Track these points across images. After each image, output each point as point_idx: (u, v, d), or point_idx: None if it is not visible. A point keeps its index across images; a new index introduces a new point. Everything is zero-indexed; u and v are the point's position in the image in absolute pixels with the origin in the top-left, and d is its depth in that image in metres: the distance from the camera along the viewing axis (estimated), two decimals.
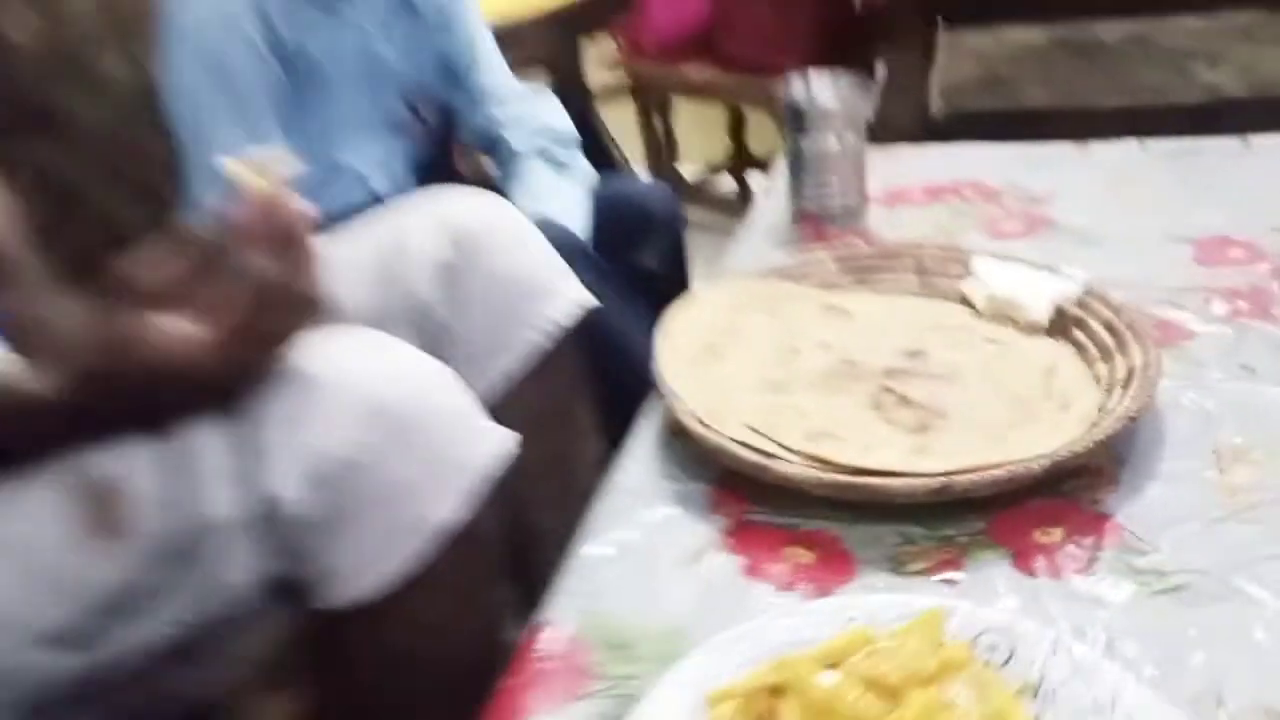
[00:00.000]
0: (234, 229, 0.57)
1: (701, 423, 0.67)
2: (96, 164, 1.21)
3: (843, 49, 1.76)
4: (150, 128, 1.25)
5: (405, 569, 0.60)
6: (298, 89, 1.08)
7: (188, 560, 0.58)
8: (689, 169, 2.33)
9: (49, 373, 0.55)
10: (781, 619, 0.52)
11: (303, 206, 0.58)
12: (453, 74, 1.23)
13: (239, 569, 0.58)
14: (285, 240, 0.56)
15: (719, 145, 2.32)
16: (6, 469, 0.57)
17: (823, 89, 0.99)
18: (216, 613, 0.60)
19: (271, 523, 0.58)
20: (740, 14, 1.90)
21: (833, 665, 0.47)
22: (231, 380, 0.57)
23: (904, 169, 1.10)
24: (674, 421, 0.70)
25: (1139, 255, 0.87)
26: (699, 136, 2.31)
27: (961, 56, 1.72)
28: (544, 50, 1.59)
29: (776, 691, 0.47)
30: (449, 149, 1.35)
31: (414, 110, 1.22)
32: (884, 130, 1.63)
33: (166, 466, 0.57)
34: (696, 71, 1.99)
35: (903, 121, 1.53)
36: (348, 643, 0.63)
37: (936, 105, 1.61)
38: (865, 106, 1.00)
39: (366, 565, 0.60)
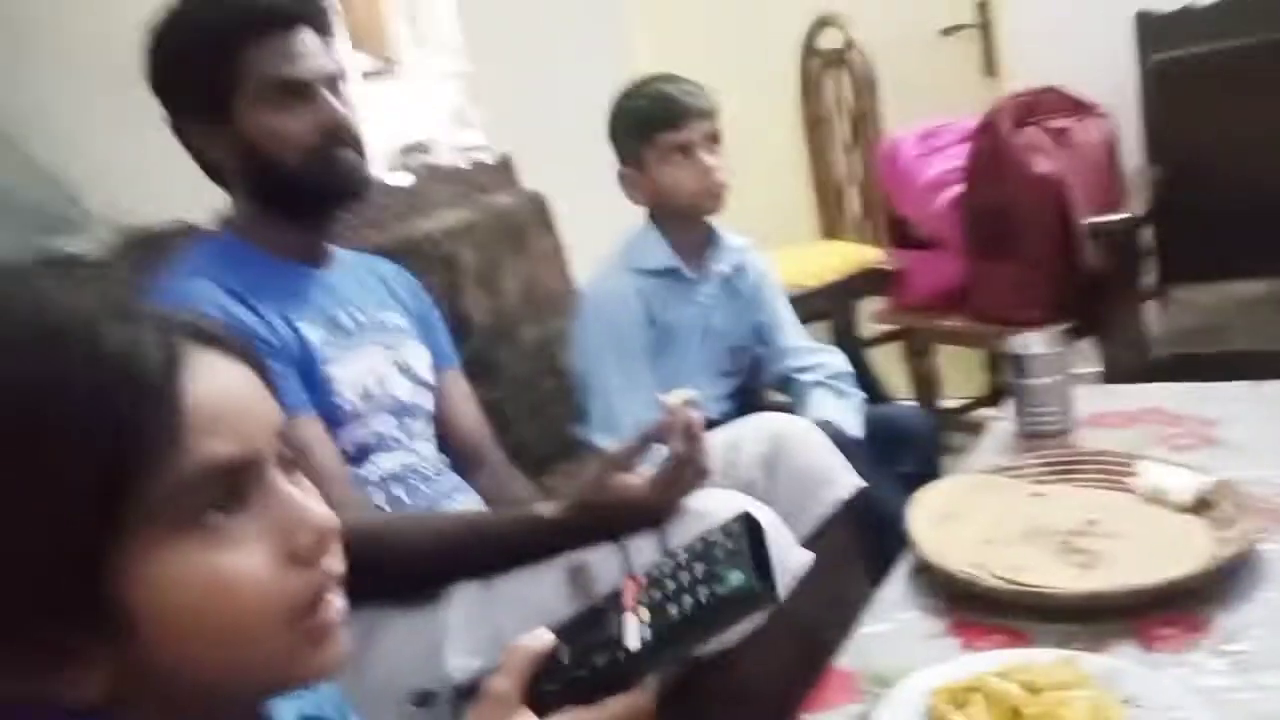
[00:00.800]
0: (661, 427, 1.04)
1: (936, 560, 1.04)
2: (514, 400, 1.76)
3: (1078, 302, 2.12)
4: (550, 373, 1.81)
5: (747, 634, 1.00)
6: (659, 346, 1.59)
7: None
8: (951, 401, 2.69)
9: (561, 505, 1.02)
10: (975, 657, 0.87)
11: (698, 417, 1.04)
12: (762, 335, 1.71)
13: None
14: (690, 434, 1.02)
15: (977, 381, 2.68)
16: (528, 560, 1.03)
17: (1038, 341, 1.37)
18: None
19: None
20: (988, 276, 2.29)
21: (1002, 676, 0.82)
22: (659, 513, 1.01)
23: (1108, 401, 1.43)
24: (919, 560, 1.07)
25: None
26: (959, 374, 2.68)
27: (1182, 307, 2.03)
28: (827, 309, 2.07)
29: (969, 689, 0.82)
30: (757, 386, 1.81)
31: (735, 361, 1.71)
32: (1110, 372, 1.95)
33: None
34: (953, 322, 2.38)
35: (1125, 365, 1.85)
36: (701, 685, 1.03)
37: (1157, 350, 1.91)
38: (1070, 354, 1.37)
39: None
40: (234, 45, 1.15)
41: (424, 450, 1.29)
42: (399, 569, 1.10)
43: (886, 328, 2.58)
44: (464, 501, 1.26)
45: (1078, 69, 2.33)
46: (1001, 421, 1.43)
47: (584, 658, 0.60)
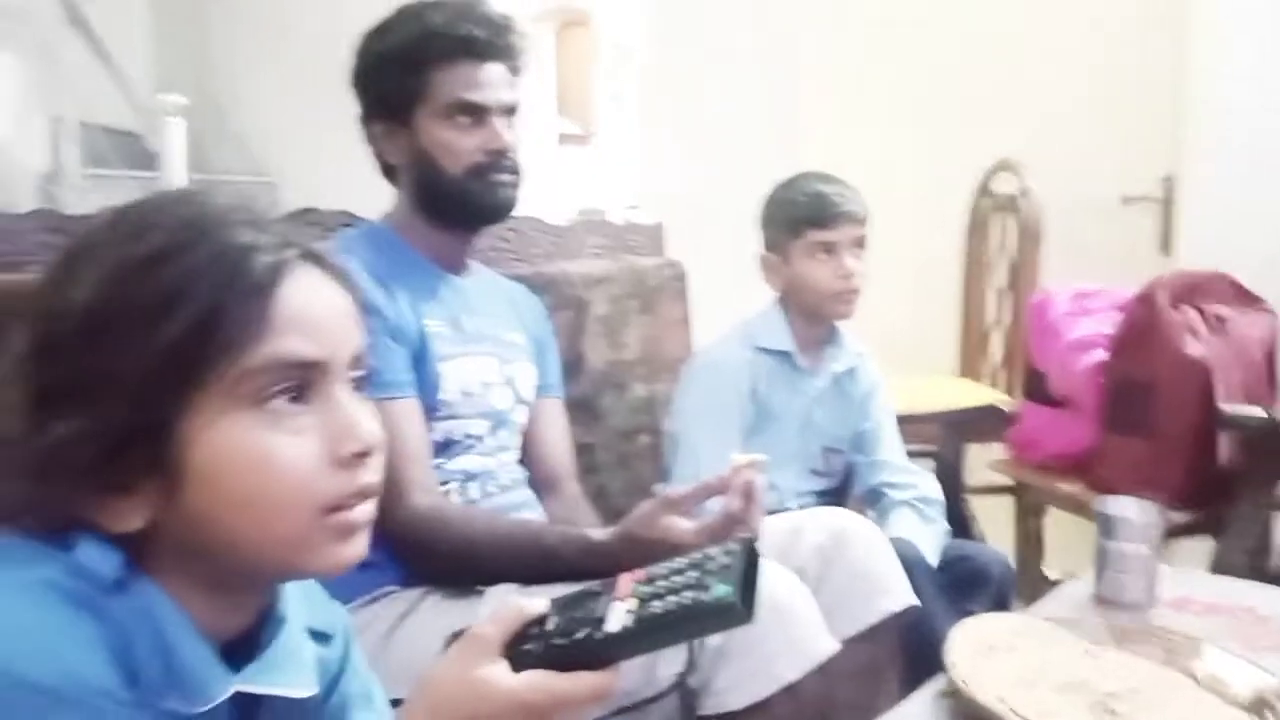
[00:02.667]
0: (722, 481, 1.07)
1: (964, 685, 1.02)
2: (608, 447, 1.82)
3: (1205, 495, 2.03)
4: (648, 430, 1.86)
5: (754, 700, 1.00)
6: (757, 425, 1.61)
7: None
8: (1053, 570, 2.59)
9: (609, 532, 1.05)
10: None
11: (761, 481, 1.07)
12: (861, 444, 1.71)
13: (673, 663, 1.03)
14: (748, 495, 1.05)
15: (1084, 555, 2.57)
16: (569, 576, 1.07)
17: (1132, 506, 1.34)
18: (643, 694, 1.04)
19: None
20: (1117, 449, 2.21)
21: None
22: None
23: (1196, 588, 1.37)
24: (949, 684, 1.05)
25: None
26: (1066, 543, 2.58)
27: None
28: (933, 440, 2.06)
29: None
30: (846, 495, 1.81)
31: (828, 462, 1.71)
32: (1221, 568, 1.86)
33: None
34: (1072, 488, 2.31)
35: (1239, 562, 1.76)
36: None
37: (1275, 556, 1.81)
38: (1160, 528, 1.32)
39: (733, 688, 1.02)
40: (428, 64, 1.28)
41: (506, 460, 1.35)
42: (457, 556, 1.17)
43: (1000, 480, 2.52)
44: (530, 516, 1.31)
45: (1251, 260, 2.26)
46: (1080, 582, 1.39)
47: (566, 629, 0.64)
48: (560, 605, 0.66)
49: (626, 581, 0.65)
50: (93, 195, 3.86)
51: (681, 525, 1.08)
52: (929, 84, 2.94)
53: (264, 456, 0.58)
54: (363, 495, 0.62)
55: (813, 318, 1.66)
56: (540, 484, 1.40)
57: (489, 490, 1.30)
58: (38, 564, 0.56)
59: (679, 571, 0.64)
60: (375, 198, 1.41)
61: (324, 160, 2.26)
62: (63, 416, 0.56)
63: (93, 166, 3.95)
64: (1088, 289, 2.39)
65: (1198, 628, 1.25)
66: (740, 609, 0.61)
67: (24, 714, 0.51)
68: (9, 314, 0.60)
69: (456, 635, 0.67)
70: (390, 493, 1.14)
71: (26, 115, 3.97)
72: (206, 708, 0.60)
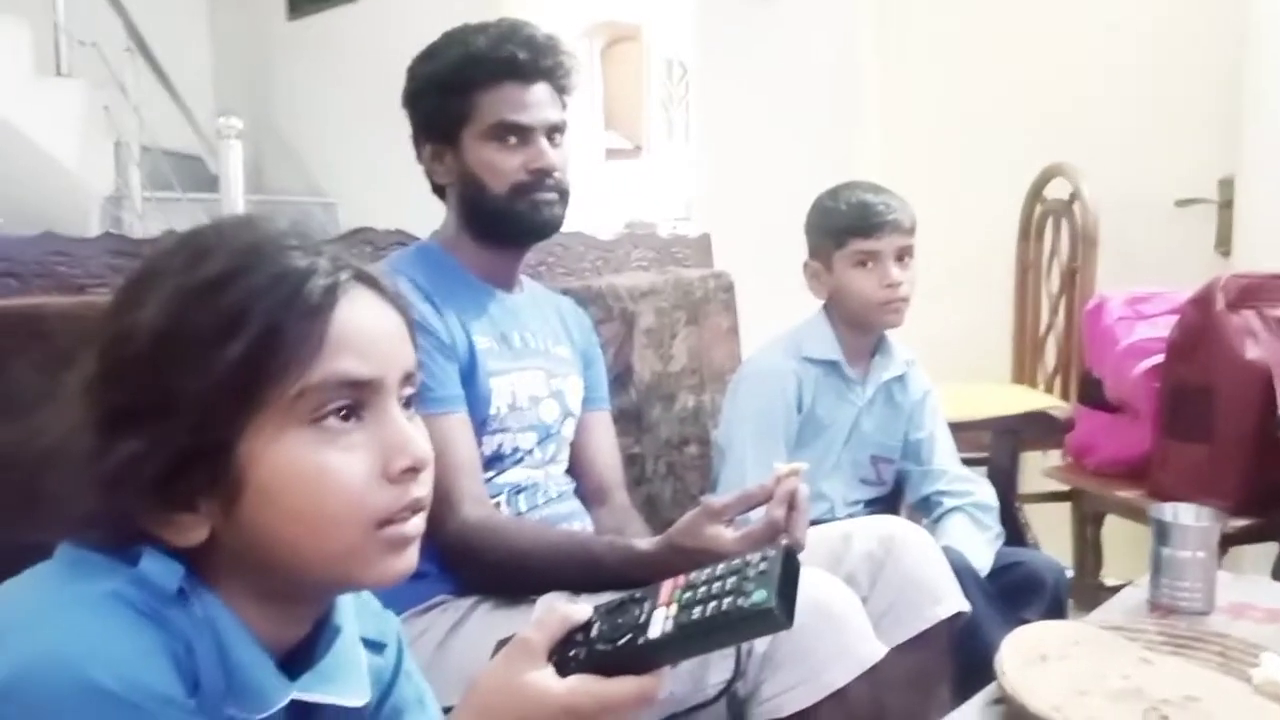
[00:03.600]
0: (765, 490, 1.07)
1: (1015, 694, 1.02)
2: (656, 457, 1.83)
3: (1265, 496, 1.99)
4: (696, 441, 1.87)
5: (803, 706, 1.01)
6: (805, 435, 1.62)
7: None
8: (1111, 577, 2.54)
9: (654, 542, 1.07)
10: None
11: (804, 489, 1.07)
12: (912, 453, 1.71)
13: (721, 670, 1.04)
14: (792, 504, 1.05)
15: (1141, 562, 2.52)
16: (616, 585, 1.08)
17: (1188, 512, 1.32)
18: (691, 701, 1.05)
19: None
20: (1176, 455, 2.18)
21: None
22: None
23: (1256, 594, 1.35)
24: (1000, 691, 1.04)
25: None
26: (1123, 550, 2.54)
27: None
28: (986, 447, 2.04)
29: None
30: (896, 505, 1.80)
31: (878, 471, 1.71)
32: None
33: None
34: (1129, 494, 2.27)
35: None
36: None
37: None
38: (1218, 533, 1.30)
39: (782, 695, 1.02)
40: (472, 87, 1.31)
41: (554, 472, 1.37)
42: (507, 567, 1.19)
43: (1056, 486, 2.48)
44: (578, 526, 1.33)
45: None
46: (1137, 588, 1.37)
47: (610, 635, 0.65)
48: (604, 611, 0.68)
49: (668, 588, 0.67)
50: (155, 217, 3.99)
51: (725, 534, 1.09)
52: (980, 89, 2.92)
53: (318, 473, 0.61)
54: (413, 509, 0.64)
55: (859, 326, 1.66)
56: (589, 495, 1.41)
57: (537, 502, 1.32)
58: (104, 576, 0.59)
59: (719, 578, 0.65)
60: (431, 217, 1.44)
61: (380, 181, 2.31)
62: (129, 436, 0.59)
63: (155, 189, 4.07)
64: (1143, 293, 2.36)
65: (1257, 635, 1.22)
66: (777, 614, 0.62)
67: (95, 718, 0.53)
68: (78, 336, 0.64)
69: (504, 642, 0.69)
70: (442, 505, 1.18)
71: (92, 140, 4.11)
72: (265, 715, 0.62)
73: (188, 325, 0.60)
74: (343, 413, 0.62)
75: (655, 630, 0.64)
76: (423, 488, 0.65)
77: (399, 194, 1.52)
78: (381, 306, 0.66)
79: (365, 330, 0.64)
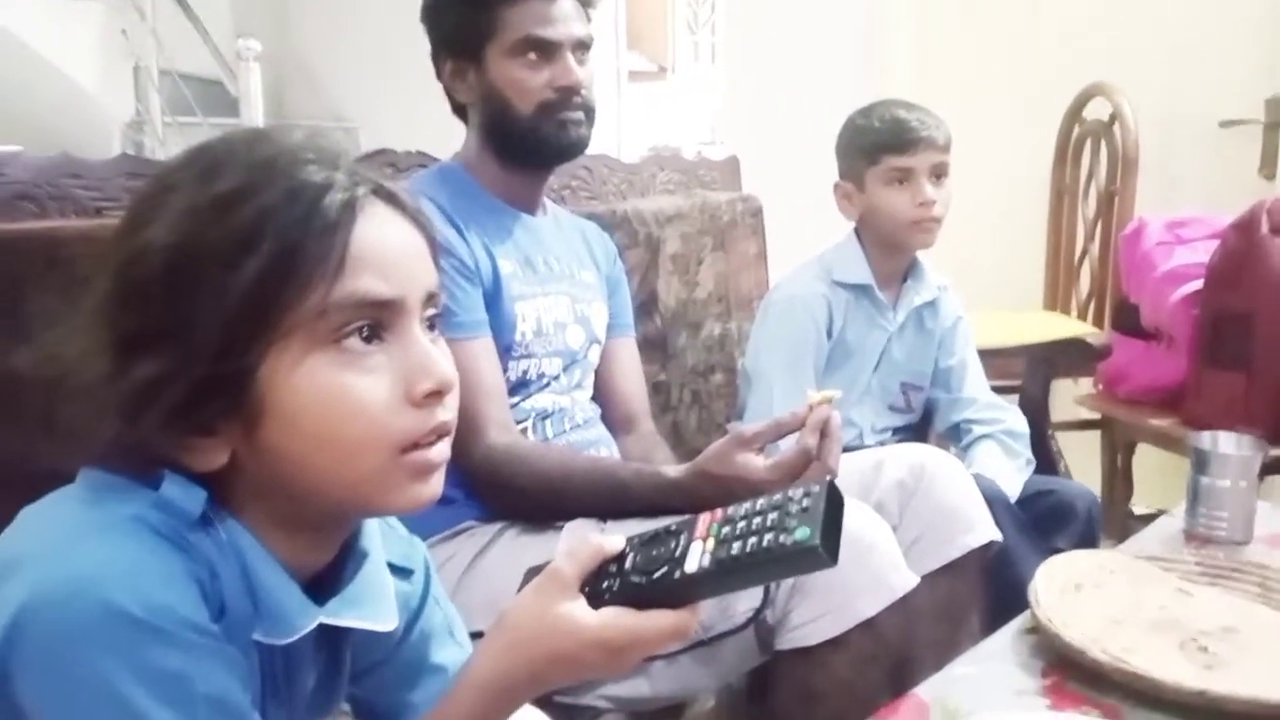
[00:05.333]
0: (797, 418, 1.05)
1: (1049, 623, 1.00)
2: (682, 385, 1.81)
3: None
4: (723, 369, 1.85)
5: (832, 635, 1.00)
6: (834, 361, 1.59)
7: None
8: (1141, 506, 2.52)
9: (684, 469, 1.05)
10: (1057, 716, 0.84)
11: (837, 417, 1.05)
12: (942, 380, 1.68)
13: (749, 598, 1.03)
14: (825, 432, 1.03)
15: (1175, 492, 2.49)
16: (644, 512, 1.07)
17: (1227, 441, 1.29)
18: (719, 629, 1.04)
19: None
20: (1213, 383, 2.13)
21: None
22: None
23: None
24: (1033, 620, 1.03)
25: None
26: (1156, 480, 2.51)
27: None
28: (1018, 375, 2.01)
29: None
30: (925, 432, 1.77)
31: (907, 399, 1.68)
32: None
33: None
34: (1164, 422, 2.24)
35: None
36: (784, 676, 1.03)
37: None
38: (1258, 462, 1.27)
39: (811, 624, 1.01)
40: (498, 0, 1.26)
41: (580, 398, 1.35)
42: (533, 492, 1.18)
43: (1087, 414, 2.45)
44: (604, 453, 1.32)
45: None
46: (1172, 518, 1.35)
47: (644, 568, 0.64)
48: (638, 544, 0.66)
49: (705, 521, 0.65)
50: (177, 141, 3.95)
51: (755, 462, 1.07)
52: (1017, 5, 2.82)
53: (339, 396, 0.59)
54: (438, 434, 0.62)
55: (891, 249, 1.62)
56: (615, 423, 1.39)
57: (564, 428, 1.30)
58: (126, 501, 0.58)
59: (759, 513, 0.63)
60: (457, 141, 1.40)
61: (403, 103, 2.26)
62: (146, 360, 0.57)
63: (176, 114, 4.03)
64: (1183, 218, 2.29)
65: None
66: (821, 553, 0.60)
67: (118, 643, 0.52)
68: (96, 259, 0.61)
69: (534, 570, 0.67)
70: (467, 431, 1.17)
71: (111, 64, 4.06)
72: (292, 639, 0.61)
73: (201, 244, 0.57)
74: (364, 334, 0.60)
75: (692, 564, 0.62)
76: (448, 412, 0.63)
77: (423, 117, 1.47)
78: (402, 223, 0.63)
79: (386, 248, 0.61)
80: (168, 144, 3.91)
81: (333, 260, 0.58)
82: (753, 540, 0.62)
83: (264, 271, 0.57)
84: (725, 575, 0.62)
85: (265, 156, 0.60)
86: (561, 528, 1.15)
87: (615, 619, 0.62)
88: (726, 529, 0.63)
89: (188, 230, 0.58)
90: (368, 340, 0.60)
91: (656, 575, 0.63)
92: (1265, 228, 2.02)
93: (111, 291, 0.59)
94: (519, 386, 1.28)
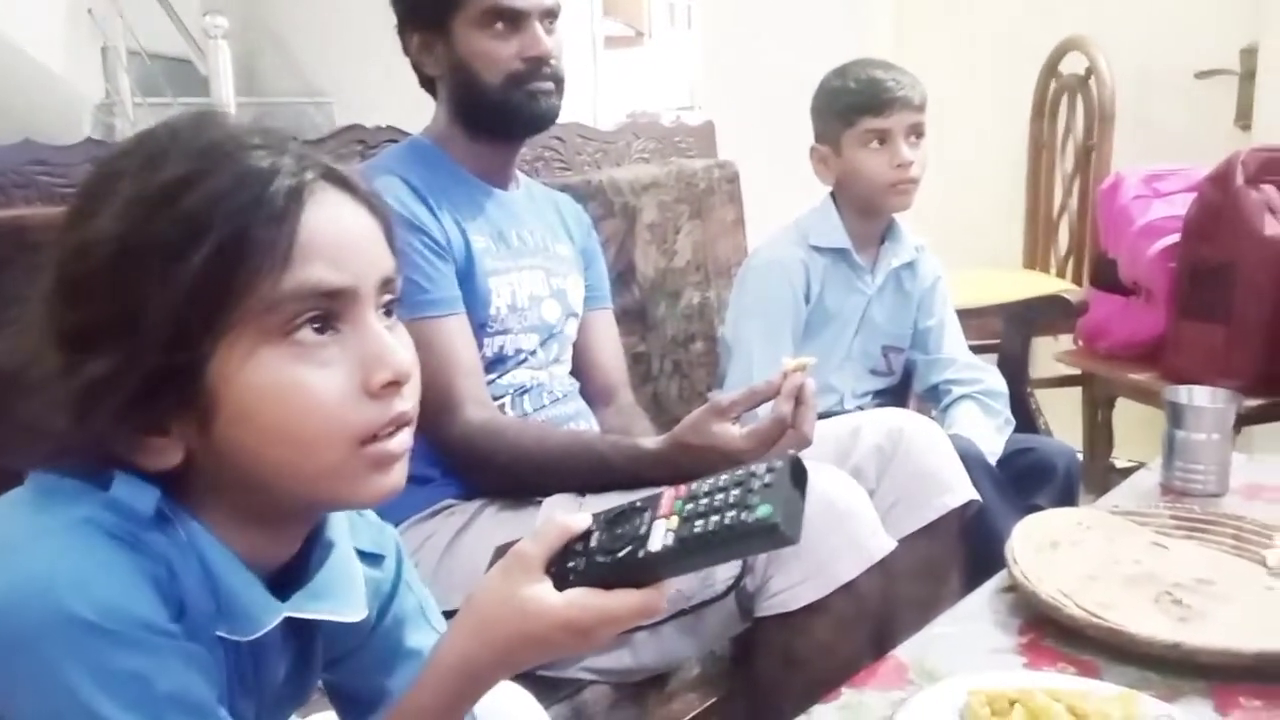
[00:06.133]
0: (772, 386, 1.05)
1: (1025, 580, 1.01)
2: (662, 355, 1.81)
3: None
4: (702, 337, 1.85)
5: (812, 600, 1.01)
6: (813, 327, 1.59)
7: None
8: (1122, 460, 2.54)
9: (660, 440, 1.05)
10: (1033, 675, 0.84)
11: (811, 384, 1.05)
12: (921, 342, 1.68)
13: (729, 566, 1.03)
14: (799, 399, 1.03)
15: (1154, 445, 2.51)
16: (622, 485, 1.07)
17: (1202, 394, 1.29)
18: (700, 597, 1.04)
19: None
20: (1192, 336, 2.14)
21: (1052, 695, 0.80)
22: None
23: (1271, 474, 1.33)
24: (1009, 579, 1.04)
25: None
26: (1136, 434, 2.53)
27: None
28: (996, 334, 2.01)
29: (1012, 698, 0.80)
30: (905, 394, 1.78)
31: (887, 361, 1.68)
32: None
33: None
34: (1143, 377, 2.25)
35: None
36: (765, 642, 1.04)
37: None
38: (1233, 415, 1.28)
39: (791, 589, 1.02)
40: None
41: (557, 373, 1.35)
42: (512, 469, 1.18)
43: (1067, 370, 2.46)
44: (584, 426, 1.32)
45: None
46: (1149, 472, 1.36)
47: (609, 547, 0.63)
48: (603, 522, 0.65)
49: (669, 498, 0.64)
50: (148, 123, 3.89)
51: (732, 431, 1.07)
52: None
53: (293, 390, 0.57)
54: (397, 424, 0.61)
55: (867, 212, 1.62)
56: (594, 396, 1.39)
57: (542, 403, 1.30)
58: (76, 503, 0.56)
59: (722, 489, 0.62)
60: (431, 113, 1.38)
61: (378, 78, 2.23)
62: (94, 356, 0.56)
63: (146, 95, 3.98)
64: (1160, 170, 2.29)
65: (1271, 516, 1.21)
66: (782, 530, 0.59)
67: (74, 648, 0.52)
68: (48, 250, 0.60)
69: (502, 550, 0.67)
70: (444, 408, 1.17)
71: (79, 46, 3.99)
72: (258, 635, 0.61)
73: (146, 235, 0.56)
74: (317, 325, 0.58)
75: (655, 543, 0.62)
76: (406, 402, 0.61)
77: (399, 92, 1.45)
78: (354, 208, 0.61)
79: (336, 235, 0.59)
80: (139, 125, 3.85)
81: (280, 250, 0.56)
82: (714, 518, 0.61)
83: (210, 262, 0.55)
84: (689, 553, 0.62)
85: (209, 142, 0.58)
86: (540, 504, 1.16)
87: (581, 600, 0.62)
88: (690, 506, 0.63)
89: (132, 221, 0.56)
90: (320, 331, 0.58)
91: (621, 554, 0.63)
92: (1241, 179, 2.03)
93: (57, 285, 0.58)
94: (495, 363, 1.28)
